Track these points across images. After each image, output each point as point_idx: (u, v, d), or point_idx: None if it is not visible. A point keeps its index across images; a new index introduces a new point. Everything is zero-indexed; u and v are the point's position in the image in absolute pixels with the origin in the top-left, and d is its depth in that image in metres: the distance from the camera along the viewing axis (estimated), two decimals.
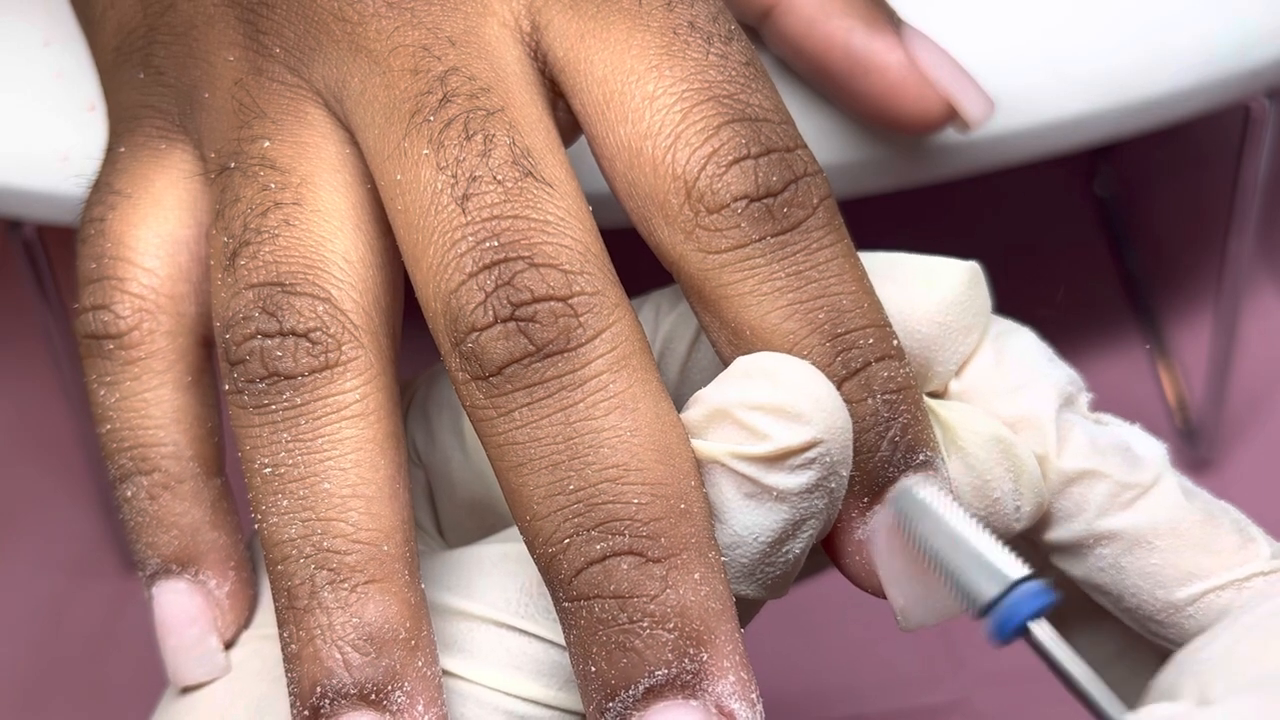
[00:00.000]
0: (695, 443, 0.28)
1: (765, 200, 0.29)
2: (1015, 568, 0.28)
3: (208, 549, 0.33)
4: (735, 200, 0.29)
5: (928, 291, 0.31)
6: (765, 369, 0.28)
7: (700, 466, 0.28)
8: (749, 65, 0.30)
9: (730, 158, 0.29)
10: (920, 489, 0.28)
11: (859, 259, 0.30)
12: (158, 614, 0.33)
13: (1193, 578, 0.30)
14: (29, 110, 0.43)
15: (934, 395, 0.31)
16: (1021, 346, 0.31)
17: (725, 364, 0.30)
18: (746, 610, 0.29)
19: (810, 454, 0.28)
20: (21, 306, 0.54)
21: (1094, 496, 0.30)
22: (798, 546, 0.29)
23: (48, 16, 0.43)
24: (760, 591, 0.29)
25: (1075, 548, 0.31)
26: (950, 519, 0.28)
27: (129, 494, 0.33)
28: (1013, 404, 0.31)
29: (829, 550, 0.30)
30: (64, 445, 0.60)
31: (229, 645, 0.33)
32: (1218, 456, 0.59)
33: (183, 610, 0.32)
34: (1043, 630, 0.28)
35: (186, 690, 0.33)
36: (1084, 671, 0.28)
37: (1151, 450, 0.31)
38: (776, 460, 0.28)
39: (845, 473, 0.29)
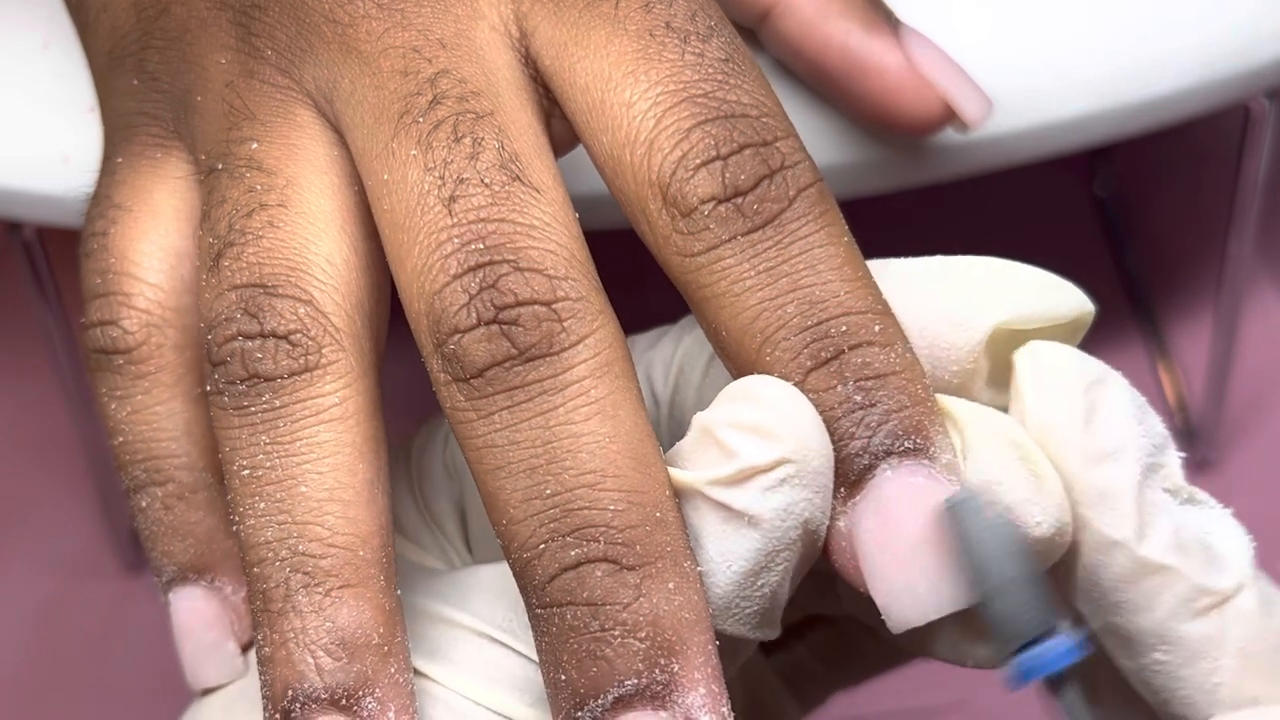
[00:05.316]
0: (673, 472, 0.28)
1: (734, 200, 0.28)
2: (1053, 614, 0.26)
3: (223, 556, 0.33)
4: (703, 203, 0.28)
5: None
6: (748, 390, 0.28)
7: (681, 496, 0.28)
8: (728, 61, 0.29)
9: (698, 160, 0.28)
10: (979, 502, 0.27)
11: (846, 245, 0.29)
12: (175, 620, 0.33)
13: (1252, 703, 0.28)
14: (29, 112, 0.42)
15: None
16: (1115, 403, 0.28)
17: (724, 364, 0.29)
18: (736, 650, 0.29)
19: (778, 474, 0.27)
20: (21, 306, 0.54)
21: (1168, 597, 0.28)
22: (773, 579, 0.28)
23: (48, 18, 0.43)
24: (740, 629, 0.28)
25: (1132, 643, 0.28)
26: (1002, 540, 0.27)
27: (144, 504, 0.33)
28: (1096, 475, 0.28)
29: None
30: (64, 445, 0.60)
31: (246, 648, 0.33)
32: (1218, 456, 0.59)
33: (200, 616, 0.33)
34: (1071, 692, 0.26)
35: (206, 692, 0.33)
36: None
37: (1235, 547, 0.28)
38: (744, 480, 0.27)
39: (823, 505, 0.28)
